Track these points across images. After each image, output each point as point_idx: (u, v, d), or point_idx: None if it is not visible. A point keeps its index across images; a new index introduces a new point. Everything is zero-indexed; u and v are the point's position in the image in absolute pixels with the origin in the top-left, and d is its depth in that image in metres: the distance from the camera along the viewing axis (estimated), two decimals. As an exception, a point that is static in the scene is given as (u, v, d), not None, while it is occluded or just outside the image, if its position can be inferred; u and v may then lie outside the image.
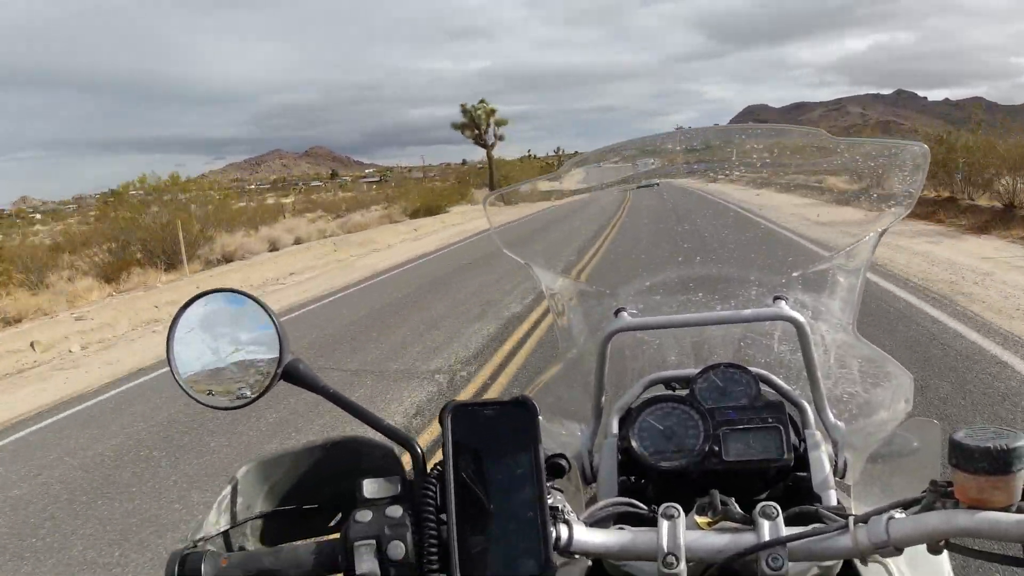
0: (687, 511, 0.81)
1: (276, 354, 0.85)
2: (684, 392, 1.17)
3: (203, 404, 0.87)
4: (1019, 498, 0.70)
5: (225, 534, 0.86)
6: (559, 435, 1.28)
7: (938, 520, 0.71)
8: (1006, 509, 0.69)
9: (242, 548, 0.87)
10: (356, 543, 0.74)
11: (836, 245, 1.29)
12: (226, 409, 0.87)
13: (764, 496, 1.06)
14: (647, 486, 1.11)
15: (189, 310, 0.87)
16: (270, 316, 0.85)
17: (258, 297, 0.87)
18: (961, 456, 0.70)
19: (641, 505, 0.89)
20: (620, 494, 1.08)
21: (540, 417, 0.77)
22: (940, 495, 0.74)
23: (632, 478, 1.12)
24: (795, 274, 1.30)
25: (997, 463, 0.68)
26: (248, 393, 0.86)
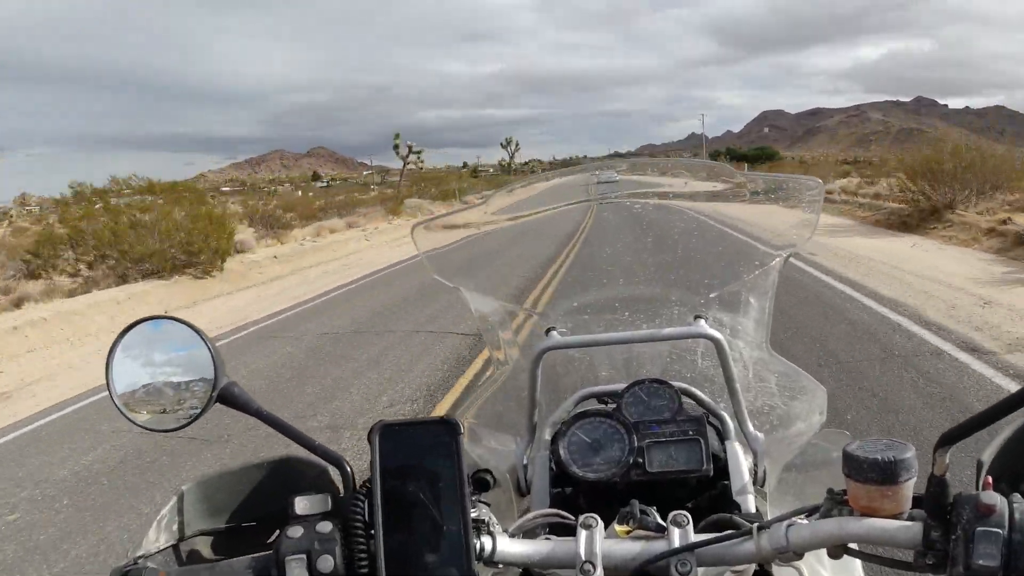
0: (612, 519, 0.89)
1: (211, 378, 0.90)
2: (611, 407, 1.25)
3: (140, 427, 0.92)
4: (908, 506, 0.76)
5: (167, 552, 0.91)
6: (495, 449, 1.36)
7: (833, 527, 0.78)
8: (896, 516, 0.76)
9: (187, 564, 0.92)
10: (287, 557, 0.80)
11: (746, 269, 1.40)
12: (163, 432, 0.92)
13: (691, 504, 1.15)
14: (578, 496, 1.18)
15: (128, 336, 0.92)
16: (205, 341, 0.90)
17: (195, 325, 0.92)
18: (853, 467, 0.76)
19: (568, 515, 0.95)
20: (552, 505, 1.16)
21: (465, 435, 0.84)
22: (837, 503, 0.80)
23: (565, 489, 1.20)
24: (712, 295, 1.40)
25: (885, 473, 0.74)
26: (184, 416, 0.91)
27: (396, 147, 44.34)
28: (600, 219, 1.77)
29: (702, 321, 1.29)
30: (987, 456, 0.85)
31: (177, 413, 0.91)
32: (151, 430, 0.93)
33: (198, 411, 0.90)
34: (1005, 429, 0.86)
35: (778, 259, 1.36)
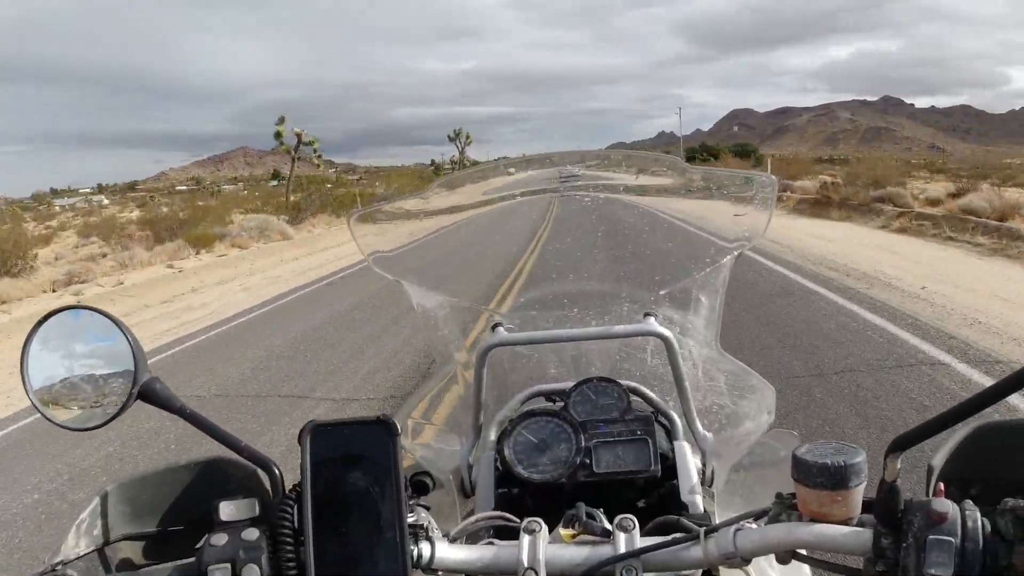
0: (558, 522, 0.86)
1: (132, 373, 0.85)
2: (558, 406, 1.23)
3: (57, 424, 0.87)
4: (858, 511, 0.74)
5: (89, 557, 0.87)
6: (440, 449, 1.34)
7: (781, 532, 0.76)
8: (846, 522, 0.74)
9: (112, 572, 0.88)
10: (210, 567, 0.76)
11: (697, 266, 1.39)
12: (79, 430, 0.87)
13: (641, 504, 1.15)
14: (524, 498, 1.16)
15: (44, 327, 0.86)
16: (125, 334, 0.86)
17: (115, 316, 0.87)
18: (802, 471, 0.74)
19: (513, 518, 0.92)
20: (498, 507, 1.13)
21: (408, 434, 0.85)
22: (785, 507, 0.79)
23: (511, 490, 1.17)
24: (662, 292, 1.39)
25: (835, 479, 0.72)
26: (103, 414, 0.86)
27: (279, 136, 34.75)
28: (550, 214, 1.74)
29: (652, 319, 1.28)
30: (937, 461, 0.85)
31: (96, 410, 0.87)
32: (69, 429, 0.88)
33: (118, 409, 0.86)
34: (955, 434, 0.86)
35: (729, 257, 1.35)
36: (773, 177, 1.31)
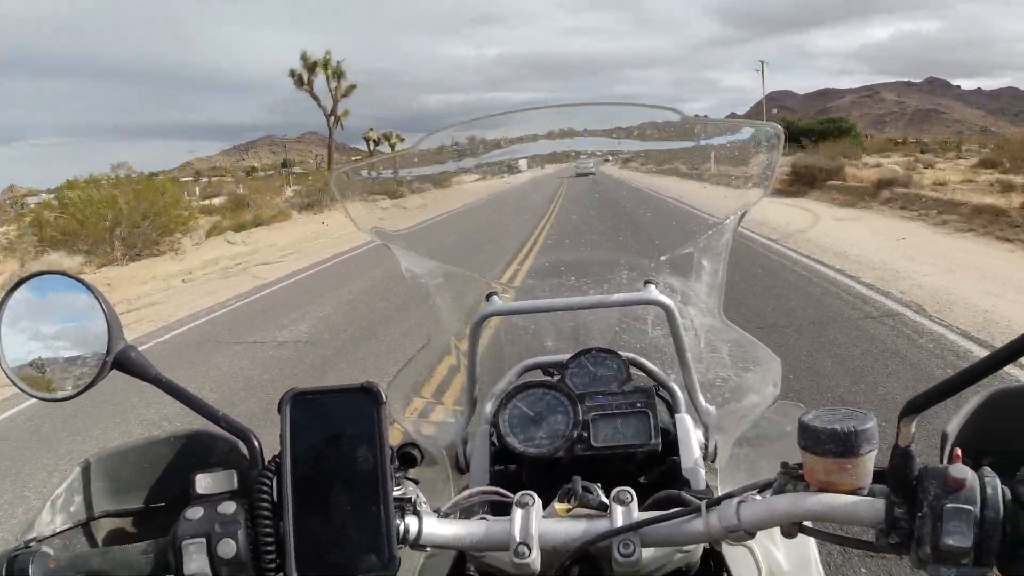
0: (554, 499, 0.85)
1: (106, 341, 0.84)
2: (555, 378, 1.21)
3: (29, 394, 0.86)
4: (869, 481, 0.72)
5: (67, 534, 0.86)
6: (433, 423, 1.33)
7: (787, 504, 0.73)
8: (856, 492, 0.71)
9: (86, 548, 0.87)
10: (184, 542, 0.75)
11: (698, 228, 1.35)
12: (54, 400, 0.87)
13: (642, 481, 1.13)
14: (520, 473, 1.14)
15: (16, 294, 0.86)
16: (100, 302, 0.84)
17: (88, 281, 0.86)
18: (809, 438, 0.71)
19: (507, 494, 0.90)
20: (493, 482, 1.12)
21: (401, 407, 0.83)
22: (791, 478, 0.76)
23: (507, 466, 1.16)
24: (663, 258, 1.36)
25: (844, 445, 0.70)
26: (76, 383, 0.86)
27: (299, 83, 31.63)
28: (542, 178, 1.70)
29: (652, 287, 1.25)
30: (952, 427, 0.82)
31: (69, 379, 0.86)
32: (41, 399, 0.87)
33: (91, 378, 0.85)
34: (971, 399, 0.83)
35: (732, 217, 1.31)
36: (778, 126, 1.25)
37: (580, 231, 1.60)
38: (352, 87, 35.28)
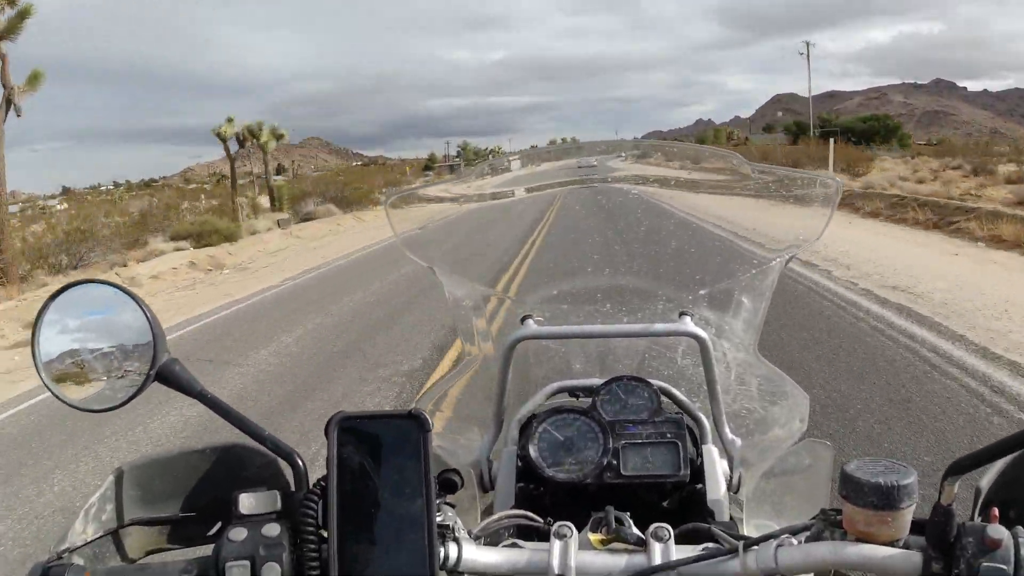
0: (582, 523, 0.86)
1: (150, 353, 0.83)
2: (586, 403, 1.23)
3: (69, 405, 0.85)
4: (906, 533, 0.74)
5: (97, 543, 0.86)
6: (458, 441, 1.34)
7: (826, 551, 0.75)
8: (893, 543, 0.73)
9: (121, 558, 0.88)
10: (228, 564, 0.75)
11: (742, 267, 1.36)
12: (93, 412, 0.86)
13: (664, 505, 1.15)
14: (545, 495, 1.16)
15: (58, 301, 0.85)
16: (145, 313, 0.84)
17: (134, 292, 0.85)
18: (851, 488, 0.73)
19: (536, 518, 0.91)
20: (517, 503, 1.14)
21: (432, 429, 0.79)
22: (829, 524, 0.78)
23: (530, 486, 1.17)
24: (702, 292, 1.37)
25: (887, 498, 0.71)
26: (119, 395, 0.85)
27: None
28: (587, 206, 1.73)
29: (688, 318, 1.27)
30: (986, 482, 0.85)
31: (110, 391, 0.86)
32: (81, 409, 0.86)
33: (135, 390, 0.84)
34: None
35: (778, 260, 1.33)
36: (839, 179, 1.27)
37: (616, 247, 1.64)
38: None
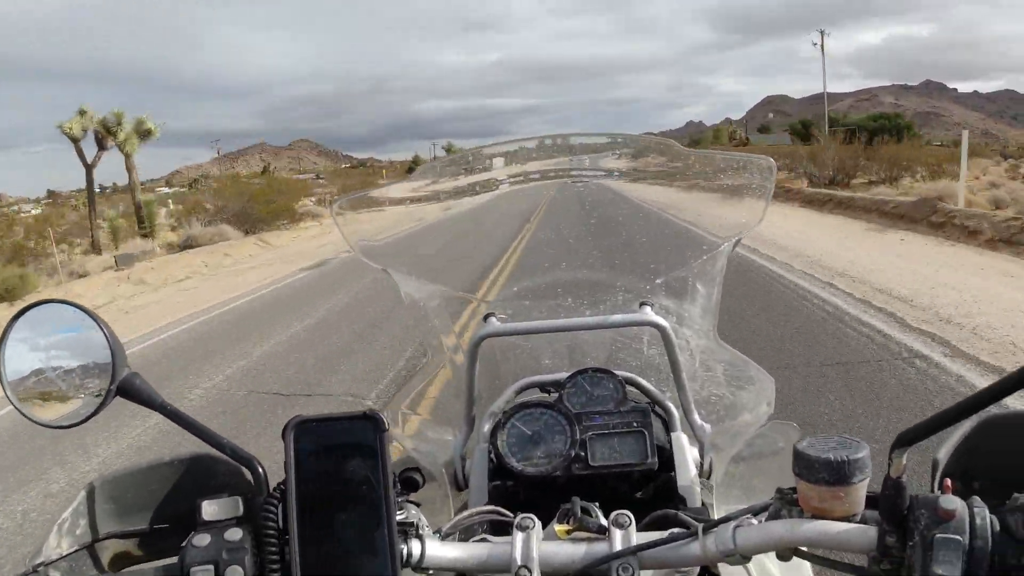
0: (553, 516, 0.87)
1: (110, 369, 0.85)
2: (553, 397, 1.24)
3: (34, 421, 0.87)
4: (861, 507, 0.74)
5: (73, 557, 0.88)
6: (432, 441, 1.35)
7: (782, 529, 0.76)
8: (848, 519, 0.74)
9: (98, 571, 0.90)
10: (192, 569, 0.77)
11: (693, 254, 1.38)
12: (58, 428, 0.87)
13: (639, 496, 1.16)
14: (518, 491, 1.17)
15: (19, 322, 0.87)
16: (103, 329, 0.86)
17: (90, 309, 0.88)
18: (803, 466, 0.74)
19: (507, 513, 0.92)
20: (491, 500, 1.15)
21: (400, 426, 0.85)
22: (786, 503, 0.79)
23: (505, 483, 1.18)
24: (658, 281, 1.40)
25: (838, 474, 0.72)
26: (82, 411, 0.87)
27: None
28: (544, 201, 1.73)
29: (648, 308, 1.29)
30: (943, 454, 0.85)
31: (73, 407, 0.88)
32: (47, 426, 0.88)
33: (96, 406, 0.86)
34: (961, 427, 0.86)
35: (726, 245, 1.36)
36: (772, 161, 1.30)
37: (570, 241, 1.64)
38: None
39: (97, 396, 0.87)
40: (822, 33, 62.87)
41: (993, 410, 0.76)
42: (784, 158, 26.60)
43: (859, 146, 26.89)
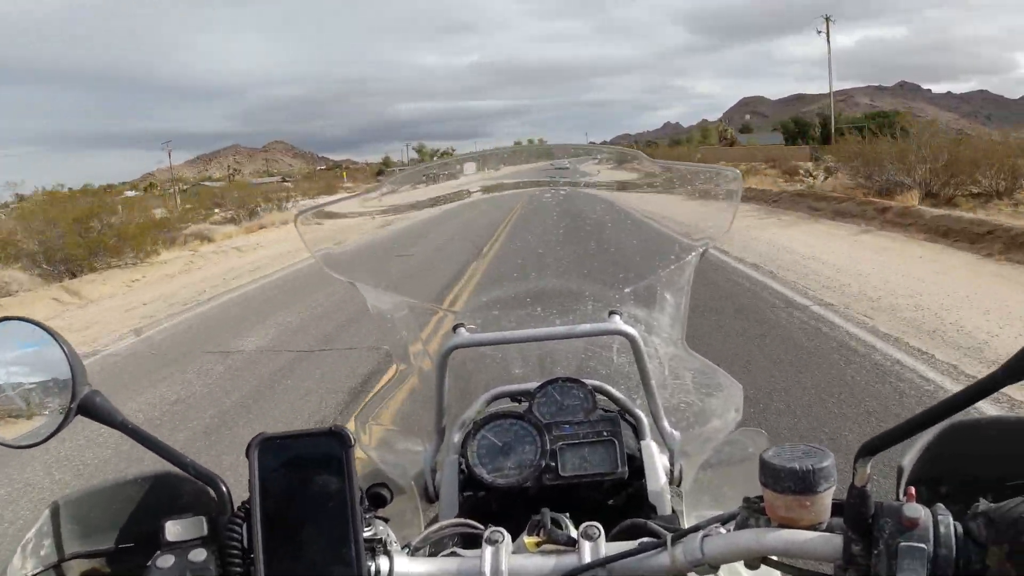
0: (524, 528, 0.87)
1: (70, 387, 0.85)
2: (523, 407, 1.24)
3: None
4: (827, 516, 0.75)
5: None
6: (402, 453, 1.35)
7: (750, 539, 0.76)
8: (815, 527, 0.74)
9: None
10: None
11: (661, 262, 1.40)
12: (17, 447, 0.87)
13: (611, 503, 1.17)
14: (490, 502, 1.17)
15: None
16: (62, 346, 0.85)
17: (50, 326, 0.87)
18: (769, 475, 0.74)
19: (478, 525, 0.92)
20: (462, 511, 1.15)
21: (370, 439, 0.85)
22: (753, 511, 0.79)
23: (476, 494, 1.18)
24: (627, 290, 1.41)
25: (803, 483, 0.72)
26: (43, 429, 0.86)
27: None
28: (515, 209, 1.73)
29: (617, 317, 1.30)
30: (908, 460, 0.86)
31: (34, 427, 0.87)
32: (8, 447, 0.87)
33: (56, 425, 0.85)
34: (925, 434, 0.87)
35: (693, 254, 1.37)
36: (739, 171, 1.33)
37: (539, 251, 1.64)
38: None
39: (60, 414, 0.85)
40: (827, 19, 58.08)
41: (956, 417, 0.78)
42: (849, 160, 21.27)
43: (965, 140, 21.03)
